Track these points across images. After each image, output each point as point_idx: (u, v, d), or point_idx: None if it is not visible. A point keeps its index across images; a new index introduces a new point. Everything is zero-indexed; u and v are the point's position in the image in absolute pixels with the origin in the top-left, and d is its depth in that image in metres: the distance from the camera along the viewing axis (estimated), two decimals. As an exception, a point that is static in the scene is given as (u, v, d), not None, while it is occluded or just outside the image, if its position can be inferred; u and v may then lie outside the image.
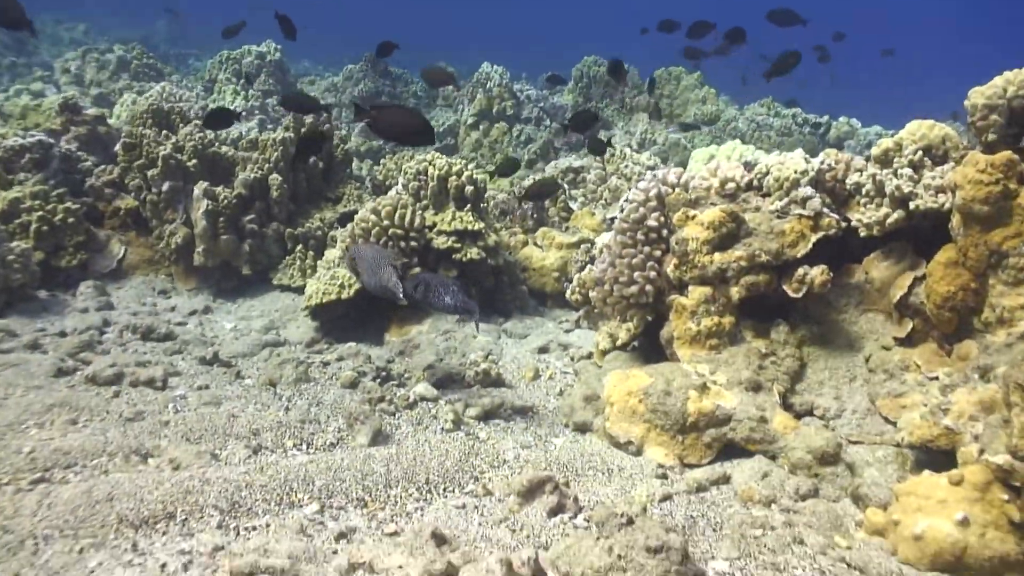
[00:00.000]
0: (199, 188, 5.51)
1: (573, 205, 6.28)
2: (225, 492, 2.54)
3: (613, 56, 12.14)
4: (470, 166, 5.29)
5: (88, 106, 6.81)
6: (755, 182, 3.74)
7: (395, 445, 3.32)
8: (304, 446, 3.28)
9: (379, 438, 3.39)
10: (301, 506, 2.62)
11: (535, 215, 5.91)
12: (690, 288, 3.55)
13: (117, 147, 5.87)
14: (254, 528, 2.40)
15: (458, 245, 5.07)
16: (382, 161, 6.67)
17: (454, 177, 5.13)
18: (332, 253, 5.20)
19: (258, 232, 5.77)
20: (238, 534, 2.34)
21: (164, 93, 9.26)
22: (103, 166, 5.92)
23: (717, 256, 3.48)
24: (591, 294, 4.06)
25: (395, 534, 2.52)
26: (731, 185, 3.71)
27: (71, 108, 6.10)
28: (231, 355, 4.44)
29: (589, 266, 4.45)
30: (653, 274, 3.65)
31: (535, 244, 5.81)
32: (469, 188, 5.15)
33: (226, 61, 11.68)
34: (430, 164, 5.17)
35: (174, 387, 3.82)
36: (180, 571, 1.96)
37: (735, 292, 3.48)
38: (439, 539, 2.35)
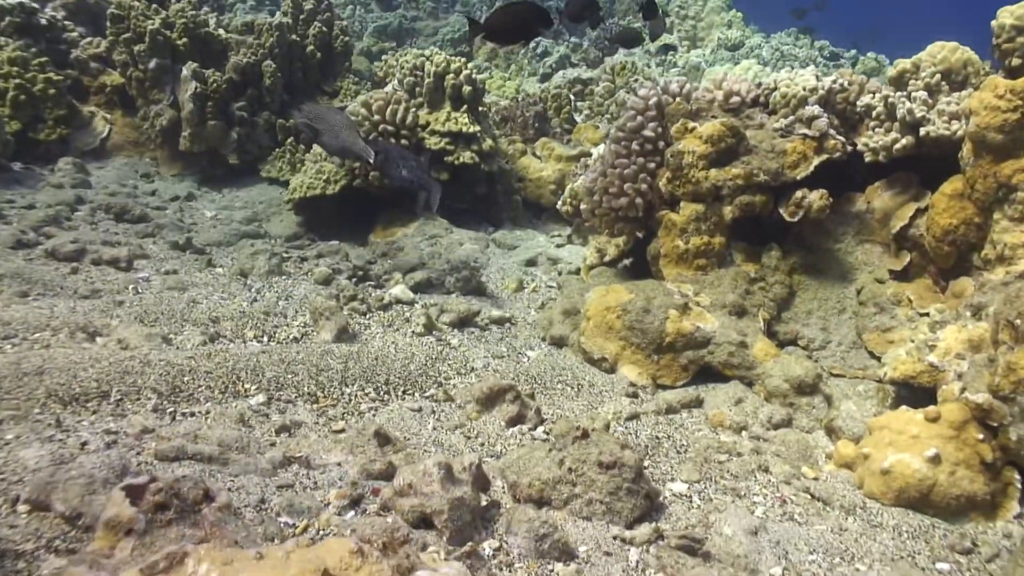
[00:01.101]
0: (188, 69, 5.28)
1: (577, 118, 6.02)
2: (166, 375, 2.43)
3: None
4: (470, 64, 5.02)
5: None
6: (762, 98, 3.50)
7: (359, 344, 3.21)
8: (265, 338, 3.17)
9: (344, 336, 3.27)
10: (247, 396, 2.51)
11: (536, 124, 5.67)
12: (682, 204, 3.36)
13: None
14: (192, 415, 2.30)
15: (451, 147, 4.86)
16: (384, 57, 6.39)
17: (452, 75, 4.88)
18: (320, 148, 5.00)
19: (248, 120, 5.56)
20: (173, 419, 2.24)
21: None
22: (90, 39, 5.67)
23: (713, 172, 3.28)
24: (581, 205, 3.88)
25: (342, 431, 2.42)
26: (736, 99, 3.48)
27: (58, -25, 5.81)
28: (206, 243, 4.31)
29: (583, 177, 4.25)
30: (644, 187, 3.46)
31: (534, 154, 5.59)
32: (467, 88, 4.91)
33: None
34: (427, 59, 4.92)
35: (139, 269, 3.70)
36: (101, 450, 1.86)
37: (728, 211, 3.30)
38: (383, 439, 2.25)
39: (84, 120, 5.45)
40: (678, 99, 3.49)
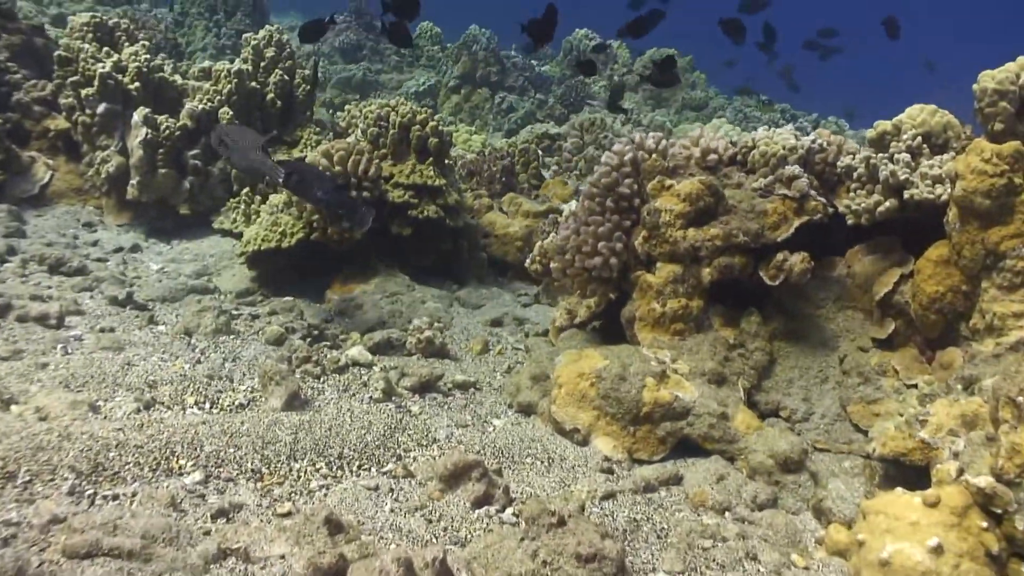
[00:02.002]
0: (139, 114, 5.04)
1: (545, 173, 5.90)
2: (89, 451, 2.15)
3: (600, 37, 11.72)
4: (436, 116, 4.88)
5: (31, 15, 6.26)
6: (739, 156, 3.39)
7: (312, 412, 2.95)
8: (207, 405, 2.89)
9: (295, 402, 3.01)
10: (181, 474, 2.23)
11: (504, 179, 5.53)
12: (658, 265, 3.20)
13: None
14: (115, 497, 2.01)
15: (415, 200, 4.67)
16: (347, 107, 6.21)
17: (418, 127, 4.72)
18: (277, 198, 4.77)
19: (202, 169, 5.32)
20: (92, 503, 1.96)
21: (124, 15, 8.66)
22: (35, 81, 5.41)
23: (691, 232, 3.13)
24: (551, 264, 3.70)
25: (288, 515, 2.15)
26: (713, 157, 3.36)
27: (3, 14, 5.55)
28: (149, 298, 4.02)
29: (553, 235, 4.09)
30: (620, 246, 3.29)
31: (501, 210, 5.43)
32: (433, 140, 4.75)
33: (198, -10, 11.08)
34: (392, 109, 4.75)
35: (71, 327, 3.40)
36: (-4, 546, 1.58)
37: (707, 273, 3.14)
38: (334, 526, 1.98)
39: (24, 165, 5.15)
40: (654, 155, 3.36)
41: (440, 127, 4.78)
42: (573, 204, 4.13)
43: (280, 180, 3.48)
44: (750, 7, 7.81)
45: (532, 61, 12.28)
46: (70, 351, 3.10)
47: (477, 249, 5.15)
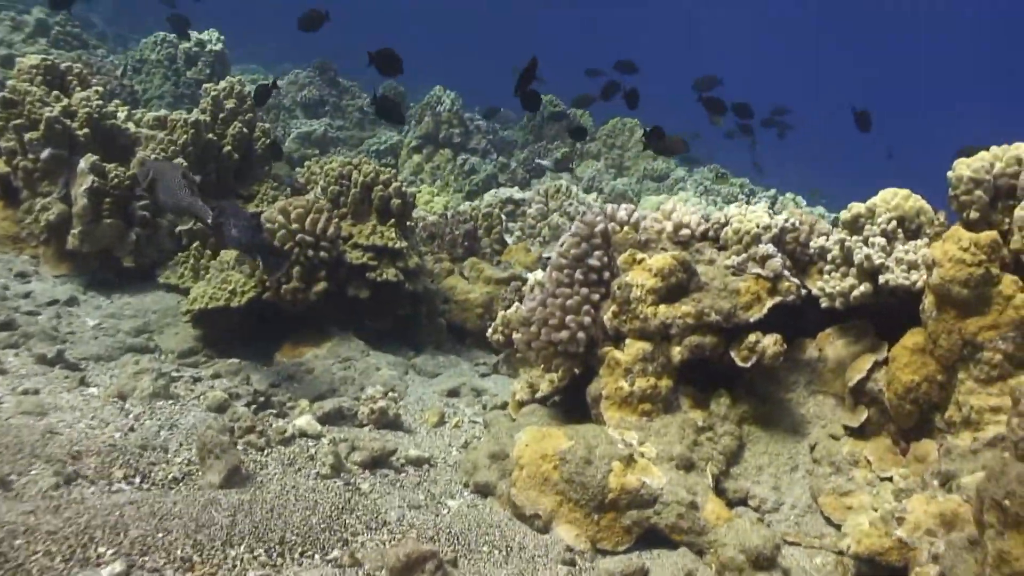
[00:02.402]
0: (86, 161, 4.82)
1: (508, 239, 5.79)
2: (-10, 539, 1.90)
3: (573, 97, 11.89)
4: (400, 176, 4.76)
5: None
6: (711, 232, 3.32)
7: (253, 489, 2.72)
8: (138, 479, 2.64)
9: (236, 477, 2.77)
10: (99, 564, 1.98)
11: (466, 243, 5.40)
12: (628, 341, 3.07)
13: None
14: (17, 595, 1.76)
15: (374, 263, 4.51)
16: (306, 163, 6.07)
17: (380, 187, 4.59)
18: (228, 254, 4.57)
19: (150, 221, 5.09)
20: (-12, 604, 1.71)
21: (78, 59, 8.46)
22: (-23, 122, 5.16)
23: (662, 308, 3.02)
24: (515, 335, 3.55)
25: (218, 615, 1.92)
26: (685, 232, 3.28)
27: (-48, 52, 5.32)
28: (82, 356, 3.75)
29: (517, 304, 3.95)
30: (588, 320, 3.16)
31: (462, 275, 5.30)
32: (396, 201, 4.62)
33: (161, 43, 10.92)
34: (355, 168, 4.62)
35: (-10, 388, 3.13)
36: None
37: (677, 352, 3.02)
38: (270, 633, 1.77)
39: (-40, 208, 4.87)
40: (626, 228, 3.27)
41: (403, 188, 4.66)
42: (539, 273, 4.02)
43: (210, 220, 3.36)
44: (701, 86, 7.99)
45: (495, 124, 12.35)
46: (-15, 416, 2.82)
47: (436, 314, 4.98)
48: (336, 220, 4.50)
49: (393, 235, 4.56)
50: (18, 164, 4.90)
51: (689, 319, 2.99)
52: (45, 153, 4.85)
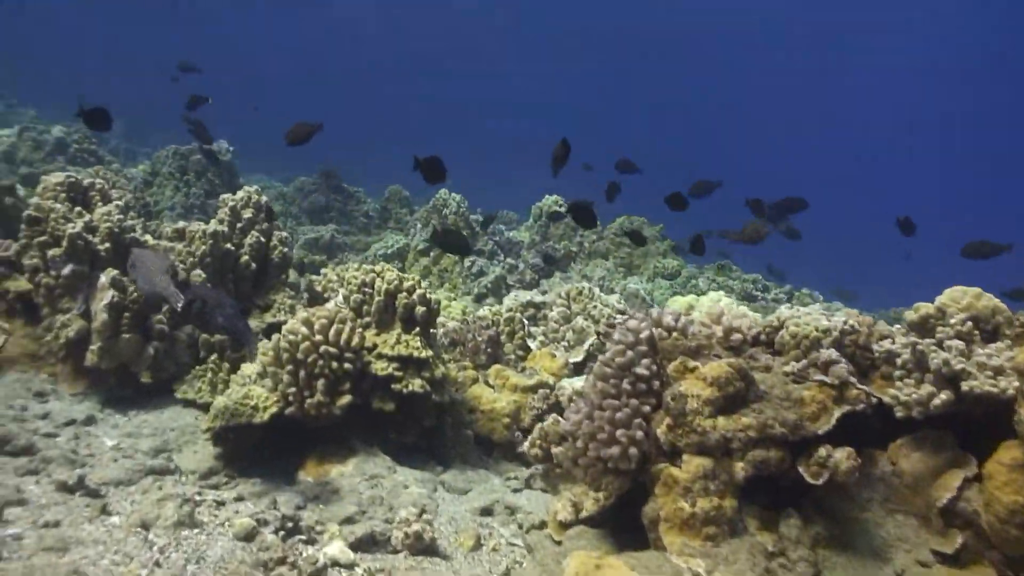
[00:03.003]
0: (106, 276, 4.72)
1: (532, 344, 5.65)
2: None
3: (576, 198, 12.04)
4: (423, 283, 4.65)
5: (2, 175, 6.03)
6: (764, 337, 3.18)
7: (289, 633, 2.47)
8: (164, 626, 2.40)
9: (269, 620, 2.53)
10: None
11: (489, 350, 5.25)
12: (685, 457, 2.88)
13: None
14: None
15: (399, 373, 4.35)
16: (323, 271, 5.98)
17: (404, 294, 4.48)
18: (249, 368, 4.41)
19: (168, 334, 4.95)
20: None
21: (96, 175, 8.53)
22: (-1, 240, 5.10)
23: (721, 421, 2.85)
24: (556, 450, 3.36)
25: None
26: (737, 336, 3.14)
27: (-27, 170, 5.32)
28: (102, 481, 3.53)
29: (555, 416, 3.77)
30: (640, 434, 2.98)
31: (486, 383, 5.12)
32: (421, 309, 4.49)
33: (173, 156, 11.09)
34: (378, 275, 4.52)
35: (9, 522, 2.90)
36: None
37: (740, 469, 2.83)
38: None
39: (-25, 328, 4.74)
40: (674, 333, 3.13)
41: (428, 295, 4.55)
42: (575, 382, 3.85)
43: (179, 306, 3.28)
44: (701, 190, 7.96)
45: (500, 226, 12.40)
46: (5, 555, 2.60)
47: (462, 426, 4.78)
48: (360, 330, 4.37)
49: (418, 344, 4.41)
50: (40, 281, 4.80)
51: (751, 432, 2.81)
52: (67, 269, 4.76)
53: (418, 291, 4.52)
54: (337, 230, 11.55)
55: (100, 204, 5.17)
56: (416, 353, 4.39)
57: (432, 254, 10.84)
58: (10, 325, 5.00)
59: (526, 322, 5.71)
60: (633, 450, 2.99)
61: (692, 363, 3.00)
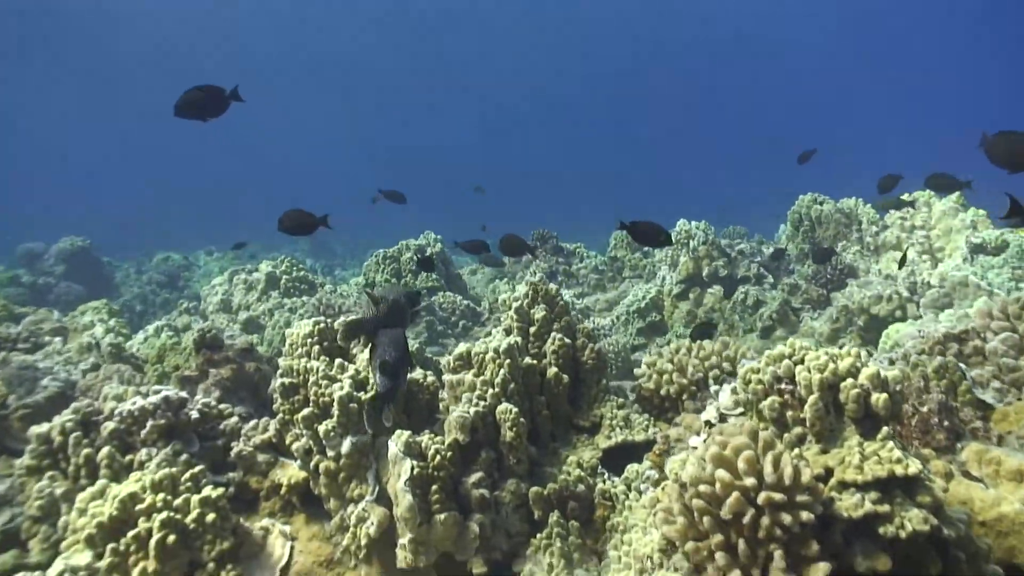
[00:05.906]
0: (397, 443, 3.46)
1: (985, 397, 3.78)
2: None
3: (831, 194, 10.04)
4: (855, 351, 2.98)
5: (235, 334, 5.08)
6: None
7: None
8: None
9: None
10: None
11: (945, 423, 3.46)
12: None
13: (274, 387, 3.98)
14: None
15: (884, 509, 2.68)
16: (649, 359, 4.44)
17: (849, 381, 2.83)
18: (641, 514, 2.91)
19: (489, 500, 3.60)
20: None
21: (321, 305, 7.66)
22: (255, 421, 4.00)
23: None
24: None
25: None
26: None
27: (209, 344, 4.32)
28: None
29: None
30: None
31: (966, 475, 3.33)
32: (878, 396, 2.82)
33: (383, 261, 10.25)
34: (797, 360, 2.91)
35: None
36: None
37: None
38: None
39: (256, 544, 3.60)
40: None
41: (879, 373, 2.87)
42: None
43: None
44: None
45: (739, 243, 10.55)
46: None
47: (981, 560, 3.00)
48: (797, 450, 2.76)
49: (897, 456, 2.73)
50: (317, 465, 3.61)
51: None
52: (346, 445, 3.54)
53: (866, 371, 2.86)
54: (575, 294, 10.21)
55: (361, 349, 3.98)
56: (898, 469, 2.70)
57: (692, 295, 9.20)
58: (291, 526, 3.85)
59: (962, 366, 3.86)
60: None
61: None
